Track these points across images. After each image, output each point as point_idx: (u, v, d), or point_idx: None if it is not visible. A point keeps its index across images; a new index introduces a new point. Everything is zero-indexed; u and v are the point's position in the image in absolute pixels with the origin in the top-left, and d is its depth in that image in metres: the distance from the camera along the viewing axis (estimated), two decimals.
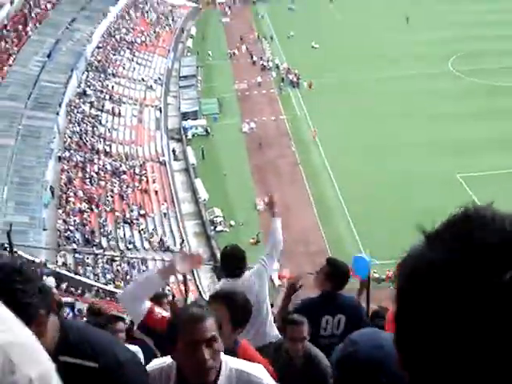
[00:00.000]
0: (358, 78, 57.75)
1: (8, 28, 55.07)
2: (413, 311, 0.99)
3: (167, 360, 3.08)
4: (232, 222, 39.71)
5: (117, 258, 35.27)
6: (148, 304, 4.28)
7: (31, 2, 61.66)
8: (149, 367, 3.15)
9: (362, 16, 77.25)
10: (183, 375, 2.93)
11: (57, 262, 33.13)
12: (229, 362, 3.02)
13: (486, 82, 55.47)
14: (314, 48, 67.85)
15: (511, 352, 0.89)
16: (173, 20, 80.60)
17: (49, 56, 54.09)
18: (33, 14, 59.89)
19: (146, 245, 38.17)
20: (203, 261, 4.69)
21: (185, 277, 13.90)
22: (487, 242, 0.94)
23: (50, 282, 27.01)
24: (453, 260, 0.94)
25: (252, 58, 67.81)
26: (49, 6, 63.28)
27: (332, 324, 5.82)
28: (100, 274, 33.81)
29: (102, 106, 53.93)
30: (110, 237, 37.85)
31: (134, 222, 39.87)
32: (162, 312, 4.33)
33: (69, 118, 49.97)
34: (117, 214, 40.14)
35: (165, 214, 41.38)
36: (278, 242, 6.24)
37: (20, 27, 56.08)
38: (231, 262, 5.84)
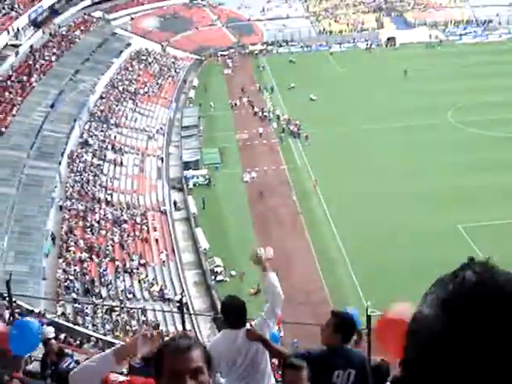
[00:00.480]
0: (358, 129, 58.24)
1: (12, 79, 55.85)
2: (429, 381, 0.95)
3: None
4: (232, 272, 39.50)
5: (116, 308, 34.97)
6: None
7: (36, 54, 62.68)
8: None
9: (361, 68, 78.43)
10: None
11: (56, 311, 32.85)
12: None
13: (486, 132, 55.91)
14: (312, 100, 68.52)
15: None
16: (175, 71, 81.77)
17: (52, 106, 54.70)
18: (37, 65, 60.79)
19: (146, 295, 37.90)
20: (159, 340, 4.17)
21: (184, 327, 13.75)
22: (505, 313, 0.92)
23: (50, 331, 26.68)
24: (474, 333, 0.90)
25: (253, 108, 68.50)
26: (53, 57, 64.25)
27: (342, 378, 5.72)
28: (99, 325, 33.48)
29: (104, 156, 54.30)
30: (109, 286, 37.62)
31: (134, 271, 39.68)
32: (119, 378, 3.94)
33: (71, 167, 50.27)
34: (117, 263, 39.98)
35: (164, 262, 41.22)
36: (277, 296, 6.12)
37: (24, 78, 56.85)
38: (232, 313, 5.81)
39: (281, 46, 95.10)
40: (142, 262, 40.84)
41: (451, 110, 62.30)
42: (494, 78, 67.83)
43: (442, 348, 0.93)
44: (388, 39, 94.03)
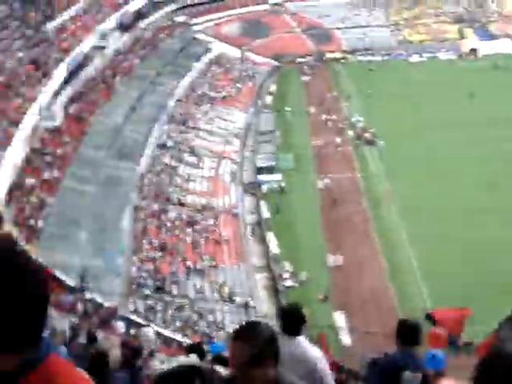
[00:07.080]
0: (434, 142, 57.21)
1: (97, 80, 57.69)
2: None
3: None
4: (302, 278, 39.63)
5: (186, 307, 35.68)
6: None
7: (120, 56, 64.53)
8: None
9: (441, 79, 77.04)
10: None
11: (128, 307, 33.77)
12: None
13: None
14: (389, 109, 67.39)
15: None
16: (254, 77, 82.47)
17: (133, 108, 56.17)
18: (120, 68, 62.56)
19: (216, 296, 38.47)
20: None
21: None
22: None
23: (121, 326, 27.63)
24: None
25: (329, 115, 68.47)
26: (136, 60, 65.95)
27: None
28: (169, 322, 34.22)
29: (181, 158, 55.49)
30: (180, 285, 38.38)
31: (206, 272, 40.34)
32: None
33: (148, 168, 51.55)
34: (188, 263, 40.72)
35: (235, 266, 41.73)
36: None
37: (109, 80, 58.63)
38: (288, 320, 5.67)
39: (360, 54, 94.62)
40: (213, 263, 41.46)
41: None
42: None
43: None
44: (470, 50, 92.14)
